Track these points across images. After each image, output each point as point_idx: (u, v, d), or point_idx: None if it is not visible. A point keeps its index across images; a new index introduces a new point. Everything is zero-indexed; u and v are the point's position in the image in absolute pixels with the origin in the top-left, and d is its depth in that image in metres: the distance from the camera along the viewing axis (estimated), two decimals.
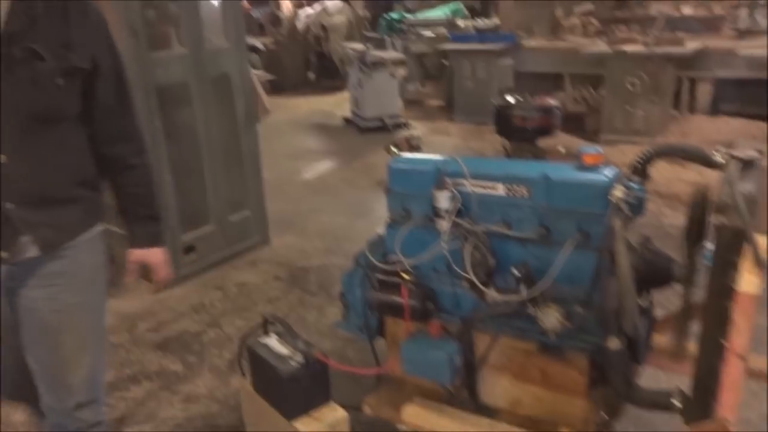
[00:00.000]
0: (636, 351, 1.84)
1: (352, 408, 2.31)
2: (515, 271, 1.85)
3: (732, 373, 1.43)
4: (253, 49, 8.77)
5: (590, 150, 1.85)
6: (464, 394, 2.10)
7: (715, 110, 6.69)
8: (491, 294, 1.89)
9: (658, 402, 1.73)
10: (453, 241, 1.96)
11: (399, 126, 7.20)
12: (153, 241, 1.91)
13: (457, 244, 1.95)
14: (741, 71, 6.38)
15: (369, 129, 7.17)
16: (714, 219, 1.48)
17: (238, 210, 4.03)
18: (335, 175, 5.83)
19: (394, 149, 2.36)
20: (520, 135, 2.15)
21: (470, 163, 1.96)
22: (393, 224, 2.17)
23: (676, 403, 1.70)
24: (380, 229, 2.25)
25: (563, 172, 1.87)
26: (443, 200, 1.96)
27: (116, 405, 2.65)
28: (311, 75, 10.79)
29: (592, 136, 6.17)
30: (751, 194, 1.46)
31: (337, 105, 8.87)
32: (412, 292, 2.06)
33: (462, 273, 1.92)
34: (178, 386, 2.79)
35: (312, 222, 4.67)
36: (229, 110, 3.85)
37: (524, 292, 1.84)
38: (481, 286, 1.87)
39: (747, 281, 1.38)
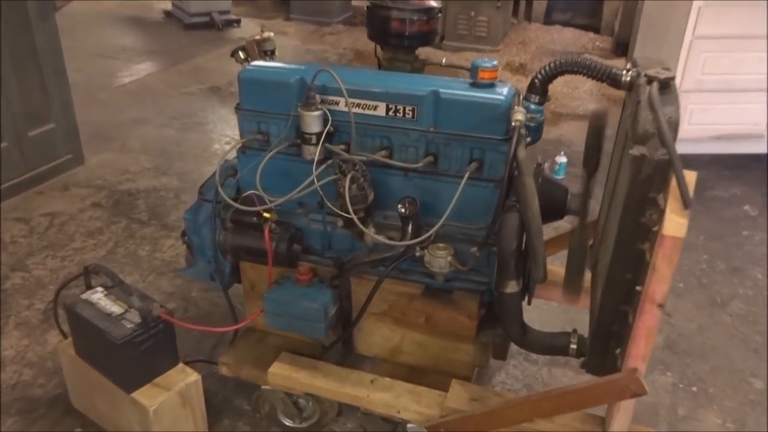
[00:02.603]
0: (527, 290, 1.69)
1: (206, 362, 1.99)
2: (401, 208, 1.58)
3: (648, 321, 1.30)
4: None
5: (486, 63, 1.58)
6: (338, 346, 1.85)
7: (548, 19, 6.81)
8: (371, 235, 1.61)
9: (555, 347, 1.61)
10: (324, 172, 1.63)
11: (230, 23, 6.48)
12: None
13: (328, 175, 1.62)
14: None
15: (195, 25, 6.37)
16: (634, 150, 1.29)
17: (39, 123, 3.29)
18: (159, 79, 5.09)
19: (242, 55, 1.92)
20: (396, 42, 1.81)
21: (344, 75, 1.60)
22: (247, 150, 1.78)
23: (573, 346, 1.58)
24: (229, 155, 1.84)
25: (455, 89, 1.59)
26: (312, 122, 1.60)
27: None
28: None
29: (436, 44, 5.97)
30: (673, 120, 1.29)
31: None
32: (275, 233, 1.71)
33: (337, 211, 1.61)
34: None
35: (135, 136, 4.02)
36: None
37: (410, 233, 1.59)
38: (361, 227, 1.57)
39: (672, 223, 1.23)
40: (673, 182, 1.26)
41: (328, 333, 1.74)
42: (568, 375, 2.25)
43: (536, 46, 6.03)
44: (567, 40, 6.26)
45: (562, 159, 3.62)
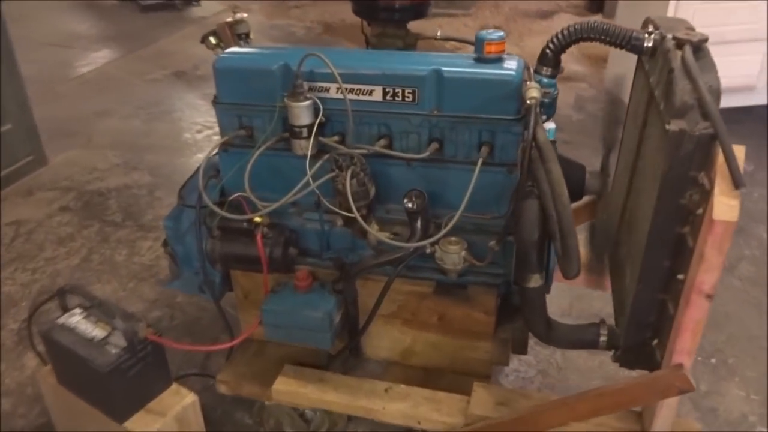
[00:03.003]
0: (547, 280, 1.56)
1: (200, 375, 1.84)
2: (408, 203, 1.42)
3: (695, 314, 1.18)
4: None
5: (492, 35, 1.42)
6: (345, 353, 1.71)
7: None
8: (377, 236, 1.46)
9: (583, 341, 1.48)
10: (319, 167, 1.46)
11: (189, 2, 6.18)
12: None
13: (324, 170, 1.46)
14: None
15: (152, 7, 6.06)
16: (671, 125, 1.15)
17: None
18: (120, 67, 4.81)
19: (213, 41, 1.74)
20: (386, 16, 1.63)
21: (334, 58, 1.43)
22: (229, 148, 1.60)
23: (603, 338, 1.46)
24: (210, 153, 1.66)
25: (459, 66, 1.43)
26: (301, 113, 1.43)
27: None
28: None
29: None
30: (715, 88, 1.16)
31: None
32: (268, 238, 1.55)
33: (336, 210, 1.45)
34: None
35: (100, 129, 3.78)
36: None
37: (419, 229, 1.44)
38: (365, 226, 1.42)
39: (722, 205, 1.10)
40: (720, 159, 1.13)
41: (334, 342, 1.59)
42: (582, 356, 2.15)
43: (509, 7, 5.85)
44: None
45: (550, 125, 3.47)
